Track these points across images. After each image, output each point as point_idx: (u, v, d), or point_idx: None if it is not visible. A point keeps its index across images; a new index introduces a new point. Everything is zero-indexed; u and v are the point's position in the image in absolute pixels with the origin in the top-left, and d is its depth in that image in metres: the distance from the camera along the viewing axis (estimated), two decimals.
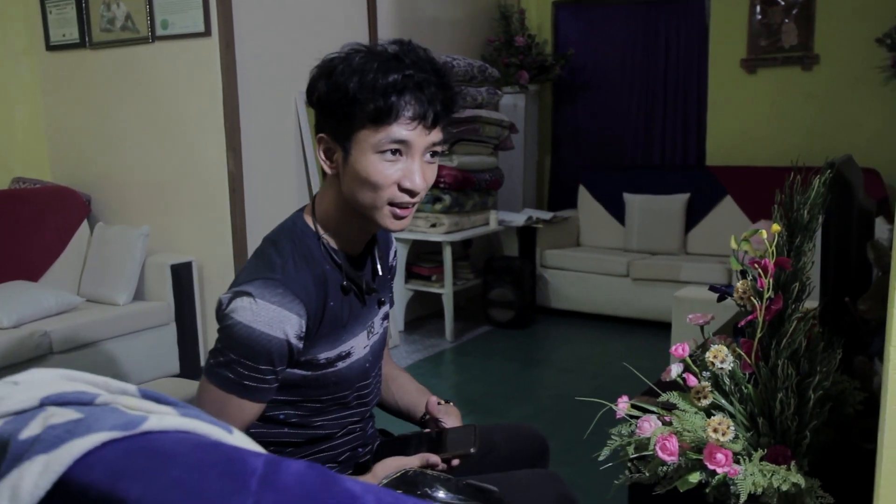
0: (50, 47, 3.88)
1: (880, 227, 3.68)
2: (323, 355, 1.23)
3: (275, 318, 1.12)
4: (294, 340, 1.15)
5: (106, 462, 0.61)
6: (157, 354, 3.34)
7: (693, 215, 4.77)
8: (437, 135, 1.19)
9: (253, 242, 3.60)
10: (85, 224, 3.64)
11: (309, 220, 1.26)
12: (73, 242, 3.56)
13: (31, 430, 0.64)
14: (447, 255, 4.17)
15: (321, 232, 1.24)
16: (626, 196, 4.94)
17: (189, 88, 3.50)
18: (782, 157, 4.73)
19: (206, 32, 3.37)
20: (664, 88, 5.22)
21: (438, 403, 1.42)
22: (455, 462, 1.30)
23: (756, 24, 4.81)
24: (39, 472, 0.61)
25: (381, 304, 1.36)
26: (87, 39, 3.74)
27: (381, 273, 1.36)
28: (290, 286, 1.14)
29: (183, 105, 3.54)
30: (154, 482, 0.58)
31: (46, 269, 3.46)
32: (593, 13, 5.41)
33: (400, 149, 1.15)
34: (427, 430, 1.44)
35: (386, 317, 1.40)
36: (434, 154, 1.21)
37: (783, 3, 4.73)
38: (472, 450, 1.29)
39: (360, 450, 1.38)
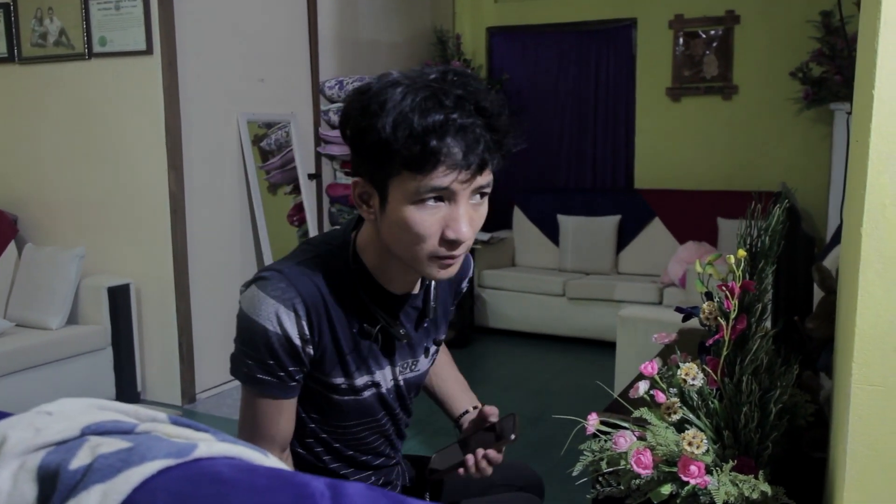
0: None
1: None
2: (338, 380, 1.21)
3: (271, 310, 1.10)
4: (296, 340, 1.12)
5: (166, 489, 0.62)
6: (93, 380, 3.23)
7: (624, 236, 4.96)
8: (485, 177, 1.06)
9: (195, 263, 3.53)
10: (12, 245, 3.49)
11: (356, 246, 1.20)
12: (0, 264, 3.41)
13: (80, 459, 0.65)
14: None
15: (366, 262, 1.17)
16: (560, 217, 5.09)
17: (128, 106, 3.42)
18: (706, 181, 4.99)
19: (148, 50, 3.31)
20: (594, 113, 5.42)
21: (474, 409, 1.45)
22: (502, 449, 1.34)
23: (679, 55, 5.08)
24: (98, 502, 0.61)
25: (426, 345, 1.31)
26: (15, 54, 3.61)
27: (431, 315, 1.26)
28: (295, 283, 1.12)
29: (121, 123, 3.45)
30: None
31: None
32: (526, 39, 5.58)
33: (442, 195, 1.05)
34: (468, 428, 1.43)
35: (436, 352, 1.38)
36: (483, 195, 1.09)
37: (704, 36, 5.00)
38: (512, 436, 1.33)
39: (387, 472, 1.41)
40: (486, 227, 5.67)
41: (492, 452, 1.31)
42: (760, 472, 1.24)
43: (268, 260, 3.80)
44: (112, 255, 3.53)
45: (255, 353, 1.13)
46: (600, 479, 1.35)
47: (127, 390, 3.35)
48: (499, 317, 4.87)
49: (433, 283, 1.26)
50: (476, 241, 4.84)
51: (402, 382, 1.30)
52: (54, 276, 3.26)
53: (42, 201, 3.67)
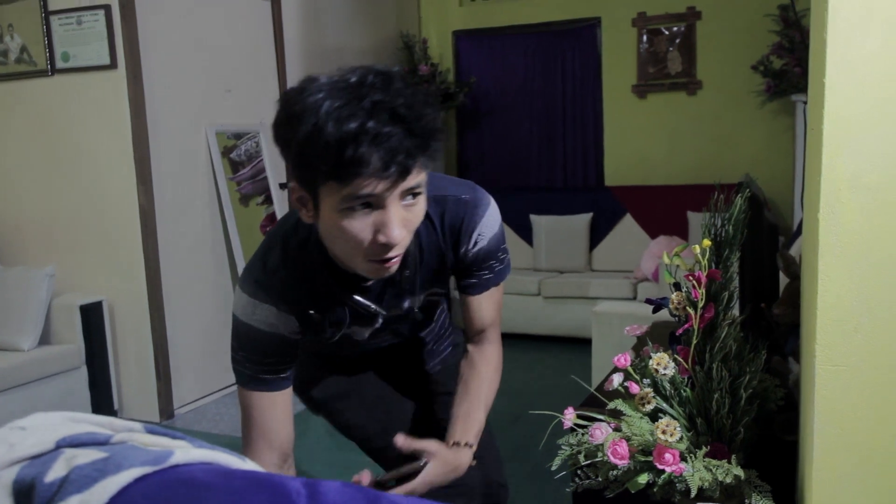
0: None
1: None
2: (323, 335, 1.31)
3: (266, 314, 1.21)
4: (290, 336, 1.24)
5: (144, 496, 0.63)
6: (68, 400, 3.19)
7: (596, 233, 5.01)
8: (413, 178, 1.05)
9: (168, 278, 3.50)
10: None
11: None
12: None
13: (56, 472, 0.65)
14: None
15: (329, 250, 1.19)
16: (533, 217, 5.12)
17: (94, 122, 3.39)
18: (674, 176, 5.06)
19: (112, 65, 3.28)
20: (563, 113, 5.47)
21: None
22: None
23: (644, 53, 5.14)
24: None
25: (409, 292, 1.34)
26: None
27: (404, 286, 1.30)
28: (269, 280, 1.21)
29: (87, 139, 3.42)
30: None
31: None
32: (492, 42, 5.62)
33: (370, 202, 1.04)
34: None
35: (429, 294, 1.40)
36: (416, 195, 1.09)
37: (667, 32, 5.08)
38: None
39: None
40: None
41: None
42: (733, 457, 1.26)
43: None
44: (83, 273, 3.49)
45: (241, 349, 1.24)
46: (579, 472, 1.37)
47: (103, 409, 3.31)
48: None
49: (409, 259, 1.25)
50: None
51: (391, 316, 1.36)
52: (24, 296, 3.22)
53: (9, 220, 3.62)
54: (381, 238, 1.06)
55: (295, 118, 1.01)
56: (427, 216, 1.23)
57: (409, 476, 1.31)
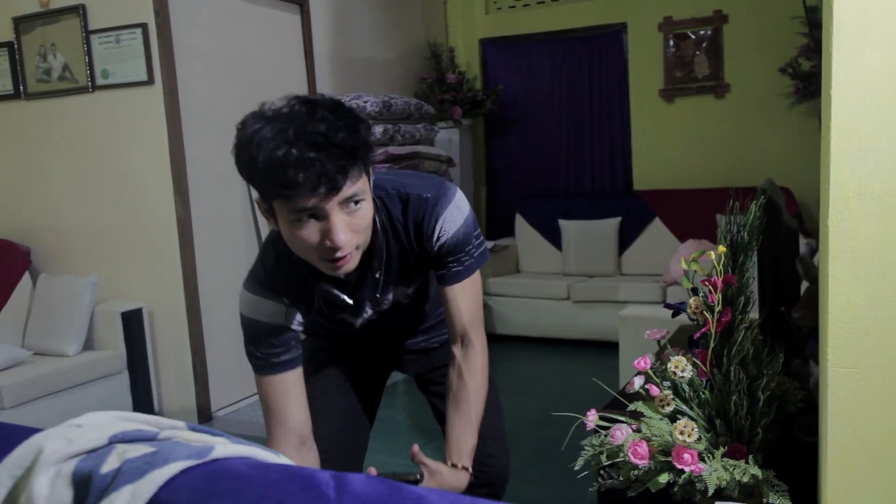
0: None
1: (799, 242, 3.97)
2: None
3: (266, 308, 1.38)
4: (294, 326, 1.40)
5: (188, 486, 0.69)
6: (110, 403, 3.30)
7: (625, 238, 5.02)
8: (349, 189, 1.18)
9: (204, 285, 3.61)
10: (26, 276, 3.57)
11: None
12: (15, 295, 3.49)
13: (110, 464, 0.72)
14: None
15: None
16: (561, 222, 5.15)
17: (133, 136, 3.52)
18: (702, 180, 5.05)
19: (150, 81, 3.40)
20: (590, 118, 5.49)
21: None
22: None
23: (671, 57, 5.15)
24: (128, 501, 0.68)
25: (389, 286, 1.47)
26: (21, 90, 3.71)
27: (378, 276, 1.42)
28: (265, 279, 1.38)
29: (127, 152, 3.55)
30: (242, 499, 0.66)
31: None
32: (519, 49, 5.66)
33: (314, 213, 1.18)
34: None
35: (410, 292, 1.53)
36: (357, 202, 1.22)
37: (694, 36, 5.08)
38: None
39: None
40: (489, 235, 5.76)
41: None
42: (751, 457, 1.29)
43: None
44: (124, 281, 3.61)
45: (251, 342, 1.40)
46: (602, 472, 1.41)
47: (144, 412, 3.40)
48: (505, 323, 4.93)
49: (376, 255, 1.39)
50: None
51: (382, 308, 1.52)
52: (69, 304, 3.34)
53: (54, 232, 3.77)
54: (328, 243, 1.21)
55: (239, 147, 1.19)
56: (391, 214, 1.39)
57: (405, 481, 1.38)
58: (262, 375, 1.41)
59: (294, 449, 1.41)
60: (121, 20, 3.42)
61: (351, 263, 1.27)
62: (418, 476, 1.39)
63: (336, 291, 1.41)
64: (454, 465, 1.44)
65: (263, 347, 1.40)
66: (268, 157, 1.13)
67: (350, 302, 1.43)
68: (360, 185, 1.21)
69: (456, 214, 1.42)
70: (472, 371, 1.49)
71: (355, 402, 1.73)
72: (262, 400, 1.44)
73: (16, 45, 3.68)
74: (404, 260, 1.45)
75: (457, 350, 1.50)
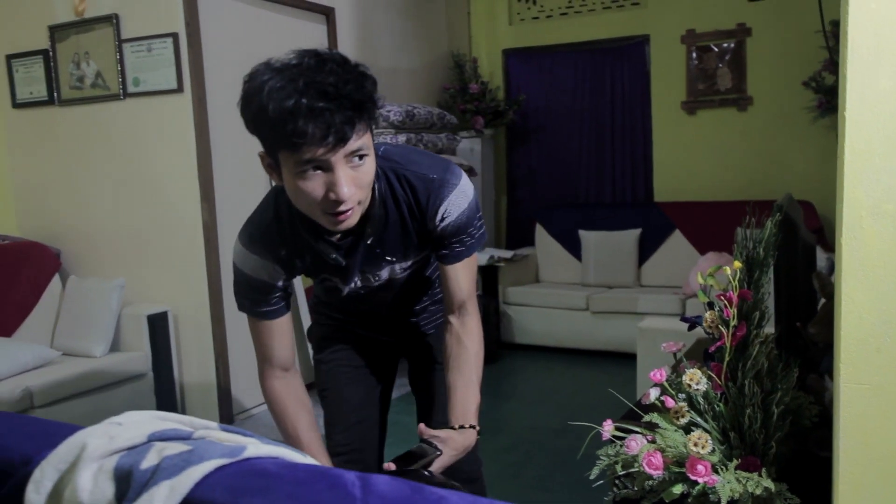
0: (16, 105, 3.93)
1: (819, 256, 3.96)
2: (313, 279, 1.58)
3: (253, 263, 1.44)
4: (272, 281, 1.45)
5: (222, 483, 0.73)
6: (135, 405, 3.37)
7: (645, 249, 5.02)
8: (354, 143, 1.21)
9: (228, 290, 3.66)
10: (56, 278, 3.66)
11: None
12: (46, 296, 3.58)
13: (149, 461, 0.77)
14: None
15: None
16: (581, 233, 5.17)
17: (162, 142, 3.60)
18: (724, 192, 5.05)
19: (179, 89, 3.48)
20: (612, 129, 5.51)
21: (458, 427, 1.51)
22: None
23: (693, 69, 5.16)
24: (167, 495, 0.73)
25: (384, 259, 1.51)
26: (55, 97, 3.81)
27: (370, 242, 1.44)
28: (258, 234, 1.44)
29: (155, 158, 3.63)
30: (272, 496, 0.70)
31: (19, 324, 3.47)
32: (541, 60, 5.70)
33: (320, 165, 1.21)
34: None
35: (406, 268, 1.56)
36: (362, 157, 1.24)
37: (716, 49, 5.08)
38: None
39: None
40: (510, 245, 5.79)
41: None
42: (765, 470, 1.31)
43: (298, 289, 3.95)
44: (150, 285, 3.69)
45: (237, 286, 1.48)
46: (617, 482, 1.44)
47: None
48: (524, 332, 4.95)
49: (370, 222, 1.41)
50: (499, 259, 4.94)
51: (373, 283, 1.56)
52: (97, 306, 3.42)
53: (83, 235, 3.86)
54: (332, 196, 1.23)
55: (247, 98, 1.21)
56: (392, 186, 1.42)
57: (425, 465, 1.41)
58: (249, 316, 1.51)
59: (276, 378, 1.55)
60: (153, 29, 3.51)
61: (352, 219, 1.29)
62: (438, 453, 1.41)
63: (329, 250, 1.43)
64: (461, 427, 1.48)
65: (247, 296, 1.48)
66: (278, 106, 1.15)
67: (343, 263, 1.45)
68: (364, 140, 1.24)
69: (461, 198, 1.44)
70: (470, 335, 1.55)
71: (367, 392, 1.78)
72: (251, 332, 1.55)
73: (51, 53, 3.78)
74: (401, 232, 1.47)
75: (454, 318, 1.55)
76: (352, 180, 1.23)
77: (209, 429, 0.87)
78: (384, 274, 1.55)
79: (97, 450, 0.79)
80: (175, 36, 3.46)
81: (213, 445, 0.79)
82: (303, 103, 1.15)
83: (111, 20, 3.59)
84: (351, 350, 1.78)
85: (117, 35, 3.58)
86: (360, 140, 1.22)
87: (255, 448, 0.79)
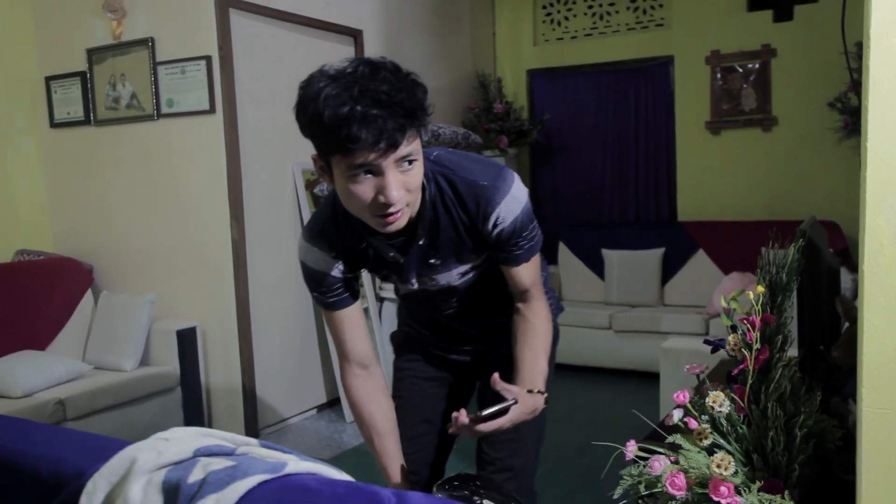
0: (54, 125, 4.05)
1: (844, 277, 3.93)
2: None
3: (314, 255, 1.51)
4: (335, 274, 1.52)
5: (265, 498, 0.78)
6: (163, 418, 3.43)
7: (669, 268, 5.02)
8: (405, 148, 1.26)
9: (255, 306, 3.74)
10: (89, 293, 3.75)
11: None
12: (78, 311, 3.67)
13: (195, 475, 0.81)
14: None
15: None
16: (605, 251, 5.18)
17: (193, 162, 3.69)
18: (748, 212, 5.04)
19: (211, 110, 3.57)
20: (635, 149, 5.53)
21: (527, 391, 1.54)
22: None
23: (717, 90, 5.17)
24: None
25: (438, 262, 1.53)
26: (91, 117, 3.93)
27: (420, 243, 1.48)
28: (320, 232, 1.51)
29: (187, 177, 3.72)
30: None
31: (53, 338, 3.56)
32: (565, 80, 5.75)
33: (371, 169, 1.26)
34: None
35: (466, 272, 1.59)
36: (411, 161, 1.29)
37: (741, 70, 5.09)
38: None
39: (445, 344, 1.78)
40: None
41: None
42: (788, 493, 1.33)
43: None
44: (180, 300, 3.76)
45: (306, 282, 1.56)
46: (640, 501, 1.46)
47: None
48: None
49: (422, 223, 1.45)
50: None
51: (430, 287, 1.59)
52: (128, 320, 3.50)
53: (115, 251, 3.95)
54: (381, 199, 1.28)
55: (303, 104, 1.27)
56: (443, 191, 1.45)
57: (500, 413, 1.43)
58: (323, 310, 1.59)
59: (354, 375, 1.60)
60: (187, 53, 3.61)
61: (400, 221, 1.34)
62: (512, 403, 1.44)
63: (386, 248, 1.49)
64: (530, 391, 1.52)
65: (314, 287, 1.56)
66: (333, 112, 1.21)
67: (400, 260, 1.50)
68: (414, 146, 1.29)
69: (513, 205, 1.47)
70: (537, 313, 1.59)
71: (434, 406, 1.81)
72: (328, 330, 1.65)
73: (88, 75, 3.90)
74: (454, 235, 1.50)
75: (520, 304, 1.60)
76: (401, 184, 1.29)
77: (250, 445, 0.91)
78: (441, 279, 1.58)
79: (146, 464, 0.83)
80: (208, 59, 3.55)
81: (255, 461, 0.83)
82: (357, 110, 1.20)
83: (147, 43, 3.70)
84: (424, 362, 1.83)
85: (152, 58, 3.69)
86: (410, 146, 1.27)
87: (296, 464, 0.83)
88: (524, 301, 1.60)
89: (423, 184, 1.41)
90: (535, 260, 1.58)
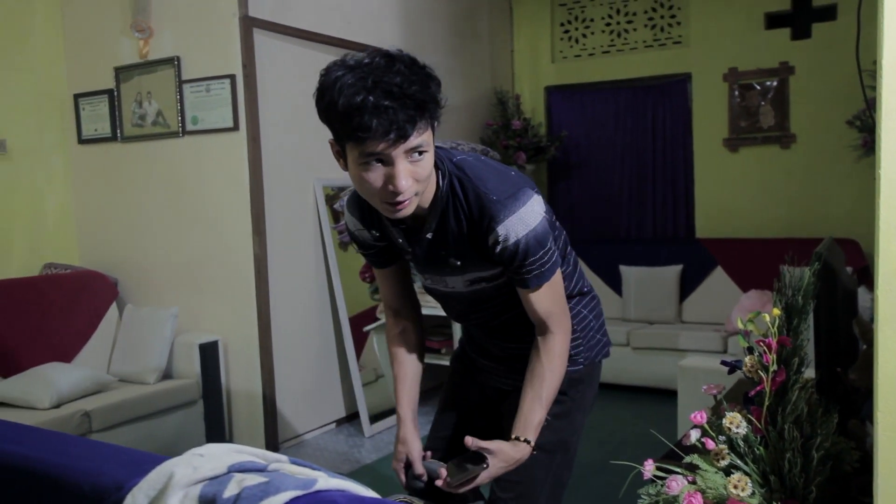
0: (82, 141, 4.15)
1: (863, 296, 3.91)
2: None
3: (352, 222, 1.64)
4: (372, 241, 1.63)
5: None
6: (185, 431, 3.48)
7: (686, 285, 5.02)
8: (415, 139, 1.30)
9: (277, 321, 3.79)
10: (114, 306, 3.82)
11: None
12: (103, 324, 3.74)
13: (230, 490, 0.85)
14: (456, 328, 4.37)
15: None
16: (622, 268, 5.19)
17: (217, 178, 3.76)
18: (766, 229, 5.03)
19: (235, 127, 3.65)
20: (653, 166, 5.55)
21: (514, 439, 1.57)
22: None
23: (735, 107, 5.18)
24: None
25: (447, 261, 1.56)
26: (118, 134, 4.02)
27: (429, 237, 1.52)
28: (354, 204, 1.63)
29: (210, 193, 3.79)
30: None
31: (79, 350, 3.63)
32: (583, 97, 5.79)
33: (381, 158, 1.31)
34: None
35: (475, 281, 1.60)
36: (421, 152, 1.33)
37: (759, 87, 5.11)
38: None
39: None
40: None
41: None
42: None
43: (343, 320, 4.08)
44: (203, 314, 3.82)
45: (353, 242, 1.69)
46: None
47: (216, 440, 3.57)
48: None
49: (432, 217, 1.49)
50: None
51: (440, 287, 1.64)
52: (151, 333, 3.56)
53: (140, 265, 4.03)
54: (390, 187, 1.33)
55: (321, 91, 1.33)
56: (456, 193, 1.48)
57: (473, 477, 1.47)
58: (371, 265, 1.72)
59: (394, 327, 1.74)
60: (211, 71, 3.69)
61: (408, 209, 1.38)
62: (485, 465, 1.46)
63: (395, 233, 1.56)
64: (517, 439, 1.52)
65: (358, 247, 1.68)
66: (347, 101, 1.26)
67: (408, 249, 1.56)
68: (425, 137, 1.32)
69: (519, 226, 1.44)
70: (550, 353, 1.56)
71: (468, 419, 1.83)
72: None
73: (115, 93, 3.99)
74: (460, 239, 1.51)
75: (539, 335, 1.59)
76: (410, 174, 1.33)
77: (281, 462, 0.95)
78: (448, 281, 1.61)
79: (183, 478, 0.87)
80: (232, 77, 3.63)
81: (287, 478, 0.87)
82: (369, 101, 1.24)
83: (173, 62, 3.78)
84: (468, 380, 1.87)
85: (178, 76, 3.77)
86: (420, 137, 1.31)
87: (325, 481, 0.87)
88: (542, 334, 1.57)
89: (438, 179, 1.45)
90: (552, 289, 1.54)
